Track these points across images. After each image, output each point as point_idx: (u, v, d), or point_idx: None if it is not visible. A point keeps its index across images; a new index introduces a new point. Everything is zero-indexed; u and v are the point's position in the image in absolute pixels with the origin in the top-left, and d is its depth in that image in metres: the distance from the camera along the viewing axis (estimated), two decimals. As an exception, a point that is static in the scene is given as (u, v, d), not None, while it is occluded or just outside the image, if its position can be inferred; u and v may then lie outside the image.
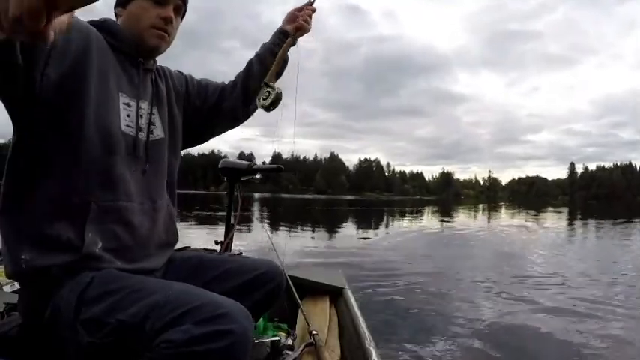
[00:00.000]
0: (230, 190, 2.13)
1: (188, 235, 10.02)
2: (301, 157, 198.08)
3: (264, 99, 1.43)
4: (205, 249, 1.62)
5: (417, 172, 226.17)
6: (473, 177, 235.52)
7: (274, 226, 14.69)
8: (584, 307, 4.68)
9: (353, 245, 9.97)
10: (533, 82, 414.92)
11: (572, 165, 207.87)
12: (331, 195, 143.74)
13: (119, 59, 1.27)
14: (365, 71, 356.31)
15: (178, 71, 1.55)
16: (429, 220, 21.89)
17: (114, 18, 1.33)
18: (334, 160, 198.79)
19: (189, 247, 1.57)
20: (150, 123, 1.33)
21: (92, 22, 1.26)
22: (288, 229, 13.94)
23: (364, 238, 11.84)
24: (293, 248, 8.57)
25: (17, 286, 2.03)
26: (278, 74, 1.54)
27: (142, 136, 1.29)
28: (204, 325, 0.95)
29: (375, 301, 4.72)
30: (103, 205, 1.16)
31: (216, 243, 2.06)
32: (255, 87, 1.50)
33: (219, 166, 2.14)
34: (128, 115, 1.25)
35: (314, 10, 1.60)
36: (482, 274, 6.46)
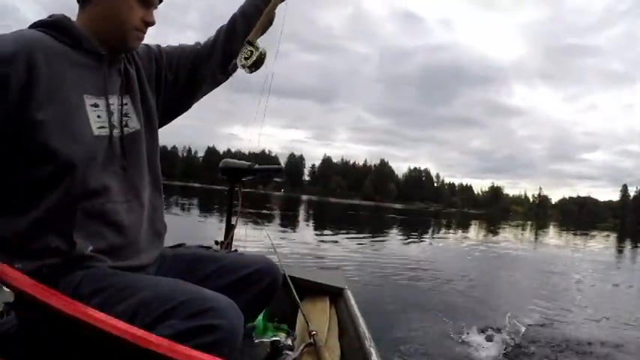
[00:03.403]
0: (231, 189, 2.15)
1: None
2: (351, 162, 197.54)
3: (245, 59, 1.35)
4: (201, 246, 1.63)
5: (466, 185, 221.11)
6: (523, 193, 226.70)
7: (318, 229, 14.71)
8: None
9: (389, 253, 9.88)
10: (590, 99, 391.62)
11: (625, 187, 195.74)
12: (379, 202, 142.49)
13: (78, 58, 1.19)
14: (420, 79, 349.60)
15: (146, 46, 1.44)
16: (474, 235, 21.40)
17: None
18: (384, 167, 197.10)
19: (184, 244, 1.58)
20: (123, 115, 1.28)
21: (38, 24, 1.18)
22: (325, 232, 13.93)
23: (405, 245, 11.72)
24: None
25: None
26: (262, 33, 1.43)
27: (117, 132, 1.24)
28: (191, 320, 0.96)
29: (390, 303, 4.70)
30: (89, 210, 1.15)
31: (216, 243, 2.08)
32: (238, 49, 1.39)
33: (220, 165, 2.16)
34: (99, 116, 1.20)
35: None
36: (507, 293, 6.24)
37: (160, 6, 1.33)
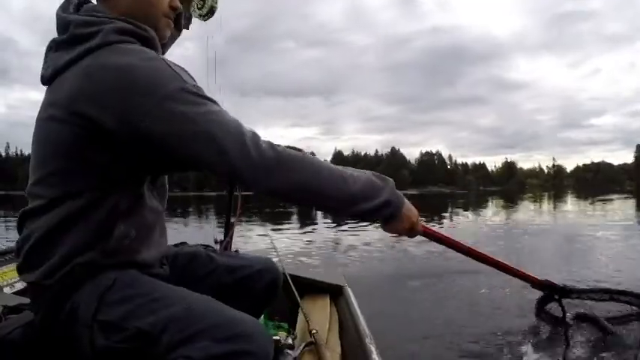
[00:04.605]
0: (230, 189, 2.14)
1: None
2: (362, 154, 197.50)
3: (199, 8, 1.37)
4: (202, 245, 1.63)
5: (480, 163, 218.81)
6: (537, 165, 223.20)
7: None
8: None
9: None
10: (593, 64, 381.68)
11: (639, 148, 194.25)
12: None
13: None
14: (422, 63, 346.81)
15: None
16: (492, 212, 21.33)
17: None
18: (395, 155, 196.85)
19: (185, 243, 1.58)
20: None
21: (126, 32, 1.06)
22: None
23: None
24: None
25: (17, 287, 2.10)
26: None
27: None
28: (223, 343, 0.94)
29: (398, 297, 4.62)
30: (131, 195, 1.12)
31: (216, 242, 2.08)
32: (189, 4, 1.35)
33: None
34: None
35: None
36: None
37: None
